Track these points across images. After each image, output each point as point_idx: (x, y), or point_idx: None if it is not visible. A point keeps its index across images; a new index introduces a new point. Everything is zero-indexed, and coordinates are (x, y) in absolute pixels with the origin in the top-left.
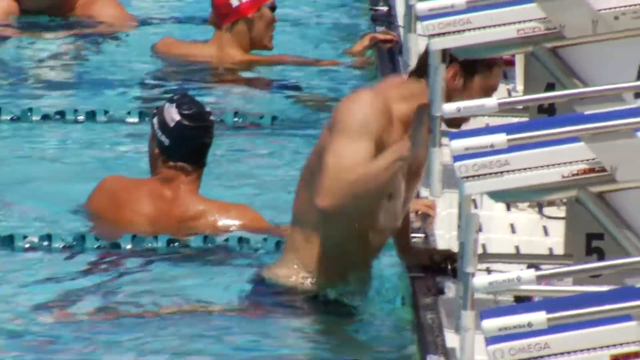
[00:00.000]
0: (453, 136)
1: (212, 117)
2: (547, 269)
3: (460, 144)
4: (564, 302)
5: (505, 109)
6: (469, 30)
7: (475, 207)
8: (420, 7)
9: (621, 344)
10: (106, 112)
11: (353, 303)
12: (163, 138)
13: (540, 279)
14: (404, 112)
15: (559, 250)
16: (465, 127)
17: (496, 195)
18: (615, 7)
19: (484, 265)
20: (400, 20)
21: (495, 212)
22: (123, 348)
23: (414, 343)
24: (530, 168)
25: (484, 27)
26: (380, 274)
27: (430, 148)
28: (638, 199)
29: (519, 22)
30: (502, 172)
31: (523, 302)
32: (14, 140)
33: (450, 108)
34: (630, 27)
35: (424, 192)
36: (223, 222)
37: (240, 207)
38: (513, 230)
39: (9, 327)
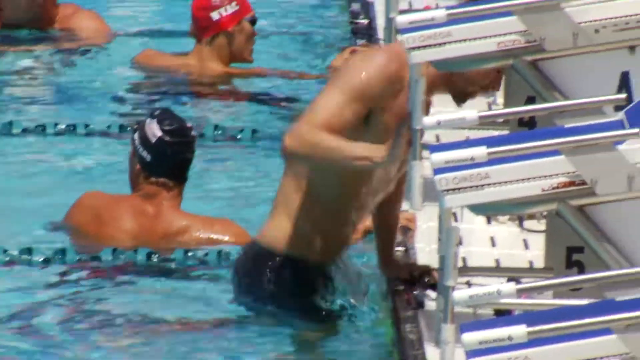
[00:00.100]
0: (433, 149)
1: (193, 132)
2: (528, 282)
3: (440, 157)
4: (544, 316)
5: (485, 121)
6: (450, 43)
7: (456, 220)
8: (401, 19)
9: (601, 358)
10: (87, 125)
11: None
12: (144, 154)
13: (520, 292)
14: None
15: (540, 263)
16: (467, 104)
17: (477, 209)
18: (595, 20)
19: (464, 279)
20: (381, 33)
21: (476, 225)
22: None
23: (395, 356)
24: (510, 181)
25: (464, 40)
26: (360, 287)
27: (410, 161)
28: (618, 212)
29: (499, 35)
30: (482, 185)
31: (503, 315)
32: None
33: (430, 121)
34: (610, 40)
35: (405, 205)
36: (207, 237)
37: (223, 222)
38: (493, 244)
39: None
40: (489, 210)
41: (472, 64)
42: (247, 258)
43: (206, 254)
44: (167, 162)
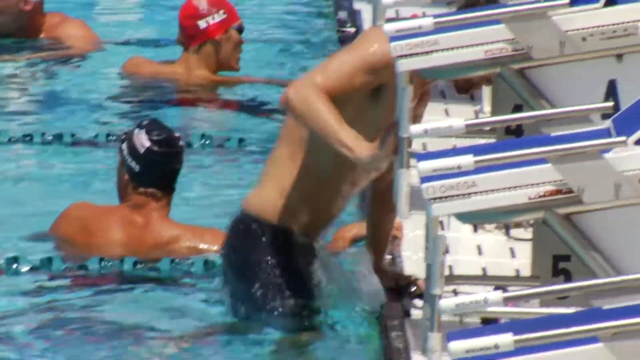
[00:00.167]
0: (420, 157)
1: (181, 143)
2: (514, 291)
3: (427, 166)
4: (530, 324)
5: (472, 130)
6: (437, 51)
7: (443, 228)
8: (388, 28)
9: None
10: (73, 134)
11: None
12: (133, 164)
13: (507, 301)
14: None
15: (526, 272)
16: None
17: (463, 217)
18: (582, 29)
19: (450, 287)
20: None
21: (463, 234)
22: None
23: None
24: (497, 189)
25: (452, 48)
26: (348, 295)
27: (397, 169)
28: (605, 220)
29: (487, 43)
30: (469, 194)
31: (490, 324)
32: None
33: (417, 129)
34: (597, 48)
35: None
36: (197, 246)
37: (213, 231)
38: (480, 252)
39: None
40: (475, 219)
41: (460, 72)
42: (231, 226)
43: (192, 263)
44: (155, 172)
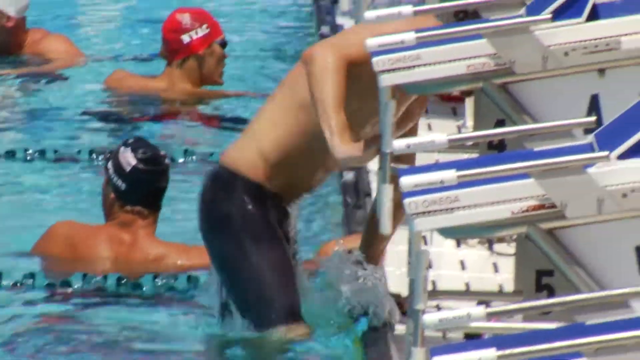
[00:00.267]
0: (403, 173)
1: (167, 160)
2: (497, 306)
3: (409, 181)
4: (514, 339)
5: (455, 145)
6: (419, 66)
7: (426, 243)
8: (370, 42)
9: None
10: (56, 150)
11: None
12: (119, 183)
13: (490, 316)
14: None
15: (509, 287)
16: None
17: (446, 232)
18: (565, 43)
19: (434, 302)
20: None
21: (445, 249)
22: None
23: None
24: (480, 204)
25: (434, 63)
26: (332, 310)
27: (380, 184)
28: (588, 235)
29: (469, 57)
30: (452, 209)
31: (473, 339)
32: None
33: (400, 144)
34: (580, 62)
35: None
36: (184, 264)
37: (199, 249)
38: (463, 267)
39: None
40: (458, 234)
41: (442, 86)
42: (205, 178)
43: (175, 279)
44: (142, 190)
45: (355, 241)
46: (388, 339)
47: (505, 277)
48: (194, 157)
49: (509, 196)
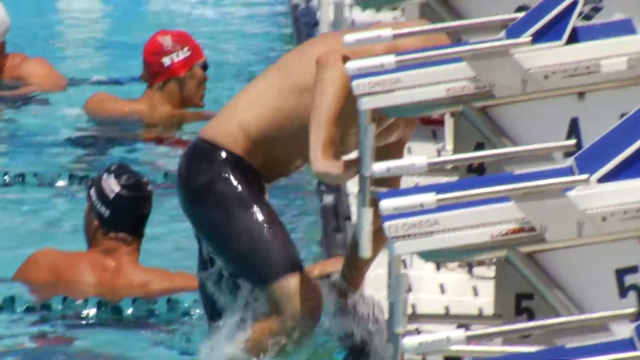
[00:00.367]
0: (382, 196)
1: (150, 187)
2: (477, 329)
3: (389, 204)
4: None
5: (434, 168)
6: (399, 89)
7: (405, 267)
8: (350, 65)
9: None
10: (35, 174)
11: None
12: (103, 209)
13: (470, 339)
14: None
15: (489, 310)
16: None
17: (426, 255)
18: (545, 66)
19: (413, 326)
20: None
21: (425, 272)
22: None
23: None
24: (459, 228)
25: (414, 87)
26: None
27: (359, 208)
28: (568, 258)
29: (449, 81)
30: (431, 232)
31: None
32: None
33: (379, 168)
34: (560, 86)
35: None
36: (167, 289)
37: (182, 275)
38: (443, 290)
39: None
40: (438, 257)
41: (422, 110)
42: (185, 152)
43: (155, 303)
44: (125, 217)
45: (334, 264)
46: None
47: (485, 300)
48: (173, 180)
49: (489, 219)
